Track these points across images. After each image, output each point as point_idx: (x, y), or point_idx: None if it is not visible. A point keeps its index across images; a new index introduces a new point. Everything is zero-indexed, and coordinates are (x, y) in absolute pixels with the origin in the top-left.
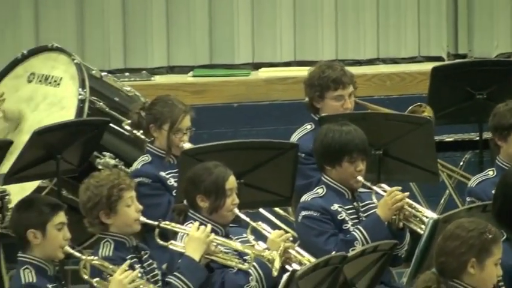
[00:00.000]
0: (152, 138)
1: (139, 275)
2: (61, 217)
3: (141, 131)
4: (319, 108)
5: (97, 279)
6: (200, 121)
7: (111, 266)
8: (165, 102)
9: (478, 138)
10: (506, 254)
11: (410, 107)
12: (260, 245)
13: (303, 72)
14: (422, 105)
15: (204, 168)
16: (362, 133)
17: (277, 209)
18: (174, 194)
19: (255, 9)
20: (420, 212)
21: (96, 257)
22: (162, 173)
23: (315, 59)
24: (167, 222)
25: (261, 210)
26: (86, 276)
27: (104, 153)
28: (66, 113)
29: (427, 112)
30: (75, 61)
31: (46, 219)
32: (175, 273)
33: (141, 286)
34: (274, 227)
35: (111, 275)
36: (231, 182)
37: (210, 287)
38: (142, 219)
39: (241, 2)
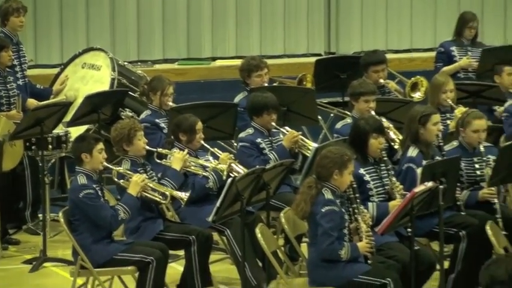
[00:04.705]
0: (151, 100)
1: (146, 177)
2: (101, 145)
3: (145, 97)
4: (248, 83)
5: (122, 180)
6: (181, 91)
7: (129, 173)
8: (158, 79)
9: (341, 100)
10: (356, 167)
11: (300, 75)
12: (215, 161)
13: (239, 62)
14: (306, 74)
15: (183, 117)
16: (274, 97)
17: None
18: (165, 132)
19: (214, 19)
20: (308, 143)
21: (121, 168)
22: (157, 120)
23: (246, 54)
24: (161, 149)
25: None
26: (115, 179)
27: (126, 109)
28: (104, 86)
29: (309, 78)
30: (109, 56)
31: (92, 146)
32: (165, 178)
33: (148, 183)
34: (224, 151)
35: (130, 178)
36: (199, 125)
37: (185, 187)
38: (147, 147)
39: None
